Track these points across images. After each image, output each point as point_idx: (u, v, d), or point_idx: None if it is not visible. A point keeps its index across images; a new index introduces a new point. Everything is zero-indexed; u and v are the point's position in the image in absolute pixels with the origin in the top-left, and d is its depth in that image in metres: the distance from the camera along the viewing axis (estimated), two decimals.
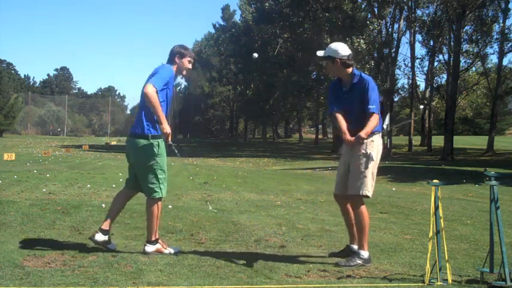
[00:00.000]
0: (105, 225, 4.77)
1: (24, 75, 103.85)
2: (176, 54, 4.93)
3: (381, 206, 9.37)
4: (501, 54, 35.76)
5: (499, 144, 39.46)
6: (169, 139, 4.74)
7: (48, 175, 12.48)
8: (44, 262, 4.26)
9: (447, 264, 4.13)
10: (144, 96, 4.56)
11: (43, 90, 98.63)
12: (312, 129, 73.73)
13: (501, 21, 34.85)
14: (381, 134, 4.94)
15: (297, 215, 7.73)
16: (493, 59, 50.29)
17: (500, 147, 38.40)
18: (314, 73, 39.40)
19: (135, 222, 6.33)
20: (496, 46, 36.63)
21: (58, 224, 6.10)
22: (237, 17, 65.80)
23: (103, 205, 7.37)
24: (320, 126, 59.78)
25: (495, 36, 35.86)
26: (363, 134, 4.67)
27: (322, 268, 4.44)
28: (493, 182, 4.12)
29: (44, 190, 9.36)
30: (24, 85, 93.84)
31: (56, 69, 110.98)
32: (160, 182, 4.78)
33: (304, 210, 8.26)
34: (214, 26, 72.25)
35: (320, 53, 5.04)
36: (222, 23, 70.18)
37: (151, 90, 4.54)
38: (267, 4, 39.60)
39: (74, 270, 4.02)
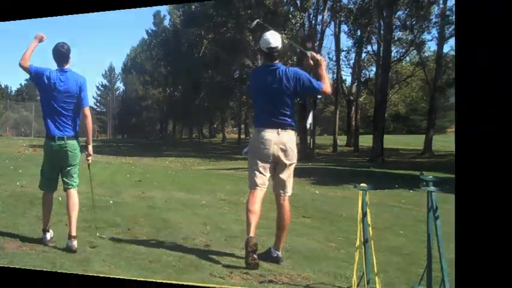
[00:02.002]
0: (47, 225, 5.47)
1: (5, 85, 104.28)
2: (70, 51, 5.29)
3: (303, 209, 8.76)
4: (441, 41, 30.46)
5: (439, 144, 33.18)
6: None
7: (20, 171, 12.59)
8: (17, 245, 5.17)
9: (376, 278, 3.86)
10: (89, 118, 5.46)
11: (17, 97, 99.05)
12: (235, 129, 73.04)
13: (441, 2, 29.43)
14: (257, 130, 4.96)
15: (221, 215, 7.76)
16: (432, 46, 46.60)
17: (440, 147, 32.42)
18: (237, 72, 38.90)
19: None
20: (435, 31, 31.07)
21: (28, 213, 6.82)
22: (166, 22, 65.88)
23: (59, 198, 7.35)
24: (243, 126, 59.03)
25: (434, 20, 30.27)
26: None
27: (245, 271, 4.52)
28: (431, 188, 3.70)
29: (18, 184, 9.77)
30: (4, 93, 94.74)
31: (27, 80, 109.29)
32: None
33: (228, 211, 8.25)
34: (147, 31, 72.07)
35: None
36: (153, 28, 70.32)
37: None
38: (193, 6, 38.97)
39: (38, 255, 4.90)
